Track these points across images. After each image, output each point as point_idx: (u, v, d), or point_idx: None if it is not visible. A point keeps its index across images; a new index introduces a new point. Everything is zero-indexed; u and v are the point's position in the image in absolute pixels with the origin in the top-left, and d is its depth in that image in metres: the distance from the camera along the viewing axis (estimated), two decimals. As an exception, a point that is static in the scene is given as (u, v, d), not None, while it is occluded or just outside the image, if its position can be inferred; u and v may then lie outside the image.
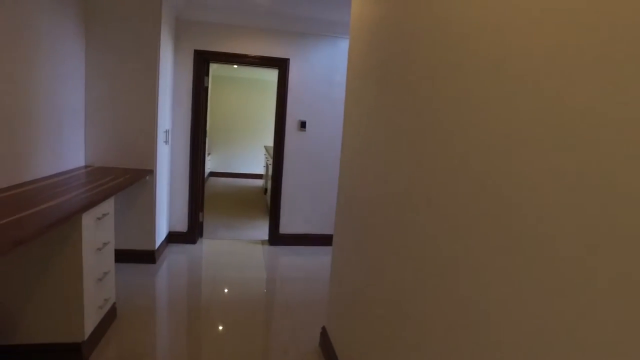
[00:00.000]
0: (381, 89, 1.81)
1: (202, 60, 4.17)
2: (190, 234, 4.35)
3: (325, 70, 4.40)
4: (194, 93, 4.18)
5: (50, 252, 2.04)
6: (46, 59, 2.69)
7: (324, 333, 2.50)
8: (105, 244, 2.39)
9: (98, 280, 2.30)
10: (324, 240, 4.59)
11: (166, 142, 3.86)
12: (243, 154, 9.42)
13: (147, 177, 3.48)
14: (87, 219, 2.13)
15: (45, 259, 2.04)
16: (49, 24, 2.69)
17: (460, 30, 1.15)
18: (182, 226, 4.35)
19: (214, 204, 6.44)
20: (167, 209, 4.17)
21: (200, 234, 4.60)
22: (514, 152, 0.88)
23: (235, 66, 8.01)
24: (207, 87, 4.35)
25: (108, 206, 2.47)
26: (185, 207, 4.33)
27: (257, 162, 9.44)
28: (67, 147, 3.11)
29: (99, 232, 2.31)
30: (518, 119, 0.87)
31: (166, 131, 3.85)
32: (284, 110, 4.36)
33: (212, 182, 8.59)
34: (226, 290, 3.34)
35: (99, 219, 2.28)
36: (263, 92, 9.28)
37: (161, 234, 3.91)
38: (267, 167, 7.42)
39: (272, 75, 8.66)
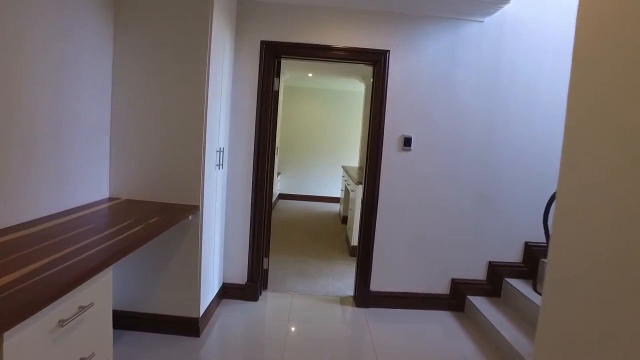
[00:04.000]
0: None
1: (271, 55, 3.10)
2: (251, 288, 3.24)
3: (440, 66, 3.10)
4: (260, 99, 3.11)
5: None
6: (54, 56, 1.75)
7: None
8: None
9: None
10: (430, 301, 3.24)
11: (219, 165, 2.80)
12: (317, 174, 8.34)
13: (190, 217, 2.42)
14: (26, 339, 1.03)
15: None
16: (59, 13, 1.74)
17: None
18: (240, 277, 3.25)
19: (283, 236, 5.35)
20: (220, 256, 3.09)
21: (264, 286, 3.47)
22: None
23: (310, 75, 6.99)
24: (277, 92, 3.26)
25: (99, 288, 1.38)
26: (245, 252, 3.24)
27: (333, 184, 8.29)
28: (84, 175, 2.15)
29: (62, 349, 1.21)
30: None
31: (220, 150, 2.79)
32: (380, 122, 3.12)
33: (281, 206, 7.58)
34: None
35: (62, 324, 1.19)
36: (341, 105, 8.17)
37: (210, 291, 2.83)
38: (345, 190, 6.22)
39: (352, 85, 7.52)
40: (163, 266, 2.51)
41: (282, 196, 8.29)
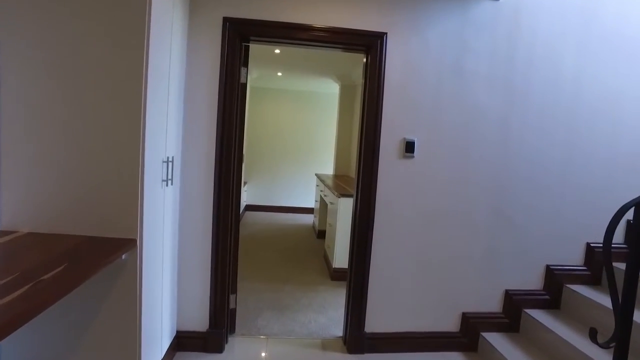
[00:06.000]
0: None
1: (237, 37, 2.41)
2: (214, 335, 2.51)
3: (448, 53, 2.53)
4: (223, 93, 2.41)
5: None
6: None
7: None
8: None
9: None
10: (436, 342, 2.65)
11: (167, 180, 2.07)
12: (288, 183, 7.64)
13: (124, 256, 1.68)
14: None
15: None
16: None
17: None
18: (199, 322, 2.52)
19: (251, 256, 4.61)
20: (171, 298, 2.35)
21: (231, 329, 2.74)
22: None
23: (280, 74, 6.32)
24: (244, 85, 2.57)
25: None
26: (206, 290, 2.51)
27: (305, 194, 7.62)
28: None
29: None
30: None
31: (167, 161, 2.06)
32: (376, 123, 2.50)
33: (248, 219, 6.82)
34: None
35: None
36: (314, 107, 7.54)
37: (156, 347, 2.09)
38: (321, 201, 5.58)
39: (325, 86, 6.91)
40: (85, 323, 1.75)
41: (248, 207, 7.52)
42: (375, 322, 2.64)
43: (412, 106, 2.52)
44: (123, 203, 1.70)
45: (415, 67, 2.50)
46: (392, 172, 2.54)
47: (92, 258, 1.43)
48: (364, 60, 2.56)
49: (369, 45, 2.47)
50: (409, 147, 2.51)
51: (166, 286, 2.21)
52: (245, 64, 2.59)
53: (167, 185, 2.06)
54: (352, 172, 6.14)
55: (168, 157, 2.05)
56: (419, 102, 2.53)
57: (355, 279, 2.62)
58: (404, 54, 2.49)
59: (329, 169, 7.34)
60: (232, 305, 2.70)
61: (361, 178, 2.54)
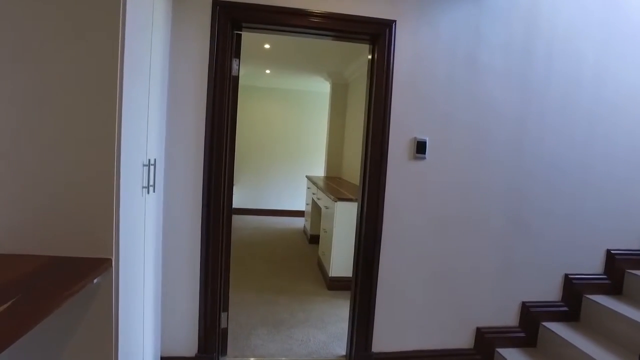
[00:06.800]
0: None
1: (229, 23, 2.14)
2: (204, 359, 2.23)
3: (461, 45, 2.30)
4: (213, 87, 2.13)
5: None
6: None
7: None
8: None
9: None
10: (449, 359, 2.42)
11: (148, 186, 1.78)
12: (277, 185, 7.34)
13: (96, 280, 1.39)
14: None
15: None
16: None
17: None
18: (187, 346, 2.23)
19: (240, 263, 4.32)
20: (155, 321, 2.06)
21: (223, 351, 2.46)
22: None
23: (268, 71, 6.05)
24: (236, 77, 2.30)
25: None
26: (194, 310, 2.23)
27: (295, 196, 7.34)
28: None
29: None
30: None
31: (149, 164, 1.77)
32: (385, 122, 2.25)
33: (236, 223, 6.51)
34: None
35: None
36: (304, 107, 7.28)
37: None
38: (313, 204, 5.33)
39: (316, 84, 6.66)
40: (52, 358, 1.45)
41: (236, 211, 7.21)
42: (383, 340, 2.39)
43: (423, 103, 2.29)
44: (95, 215, 1.41)
45: (426, 60, 2.27)
46: (401, 175, 2.30)
47: (53, 288, 1.14)
48: (370, 52, 2.31)
49: (376, 35, 2.22)
50: (420, 147, 2.28)
51: (148, 307, 1.92)
52: (237, 55, 2.31)
53: (148, 192, 1.77)
54: (345, 174, 5.89)
55: (149, 160, 1.76)
56: (431, 99, 2.29)
57: (362, 294, 2.37)
58: (413, 46, 2.25)
59: (319, 171, 7.09)
60: (223, 325, 2.42)
61: (368, 182, 2.29)
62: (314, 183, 5.15)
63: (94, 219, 1.41)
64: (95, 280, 1.38)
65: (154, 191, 1.85)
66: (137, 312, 1.73)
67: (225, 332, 2.46)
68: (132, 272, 1.62)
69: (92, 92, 1.37)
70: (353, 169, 5.37)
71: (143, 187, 1.71)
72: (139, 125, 1.63)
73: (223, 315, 2.40)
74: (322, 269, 4.17)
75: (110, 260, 1.42)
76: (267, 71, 6.07)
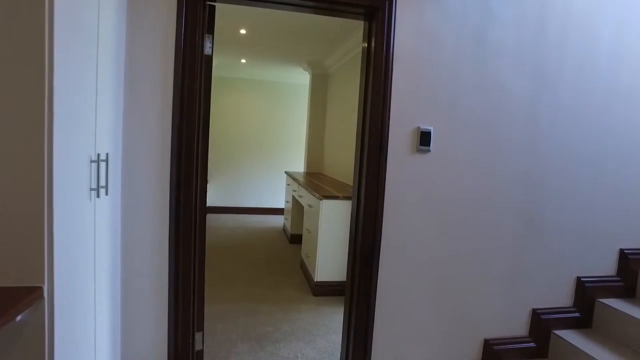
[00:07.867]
0: None
1: (200, -10, 1.78)
2: (174, 393, 1.87)
3: (469, 22, 2.02)
4: (182, 68, 1.77)
5: None
6: None
7: None
8: None
9: None
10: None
11: (98, 188, 1.40)
12: (253, 182, 6.96)
13: (20, 317, 1.03)
14: None
15: None
16: None
17: None
18: (154, 377, 1.87)
19: (215, 268, 3.95)
20: (112, 352, 1.69)
21: (198, 377, 2.11)
22: None
23: (243, 60, 5.66)
24: (209, 57, 1.93)
25: None
26: (163, 332, 1.87)
27: (273, 193, 6.99)
28: None
29: None
30: None
31: (98, 160, 1.40)
32: (384, 109, 1.95)
33: (211, 222, 6.10)
34: None
35: None
36: (282, 99, 6.92)
37: None
38: (293, 201, 5.00)
39: (295, 75, 6.31)
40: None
41: (211, 209, 6.79)
42: (383, 358, 2.10)
43: (426, 88, 2.00)
44: (18, 230, 1.04)
45: (431, 39, 1.98)
46: (403, 170, 2.01)
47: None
48: (365, 30, 2.00)
49: (374, 8, 1.91)
50: (425, 138, 1.98)
51: (103, 337, 1.55)
52: (211, 31, 1.95)
53: (98, 195, 1.40)
54: (326, 170, 5.59)
55: (99, 155, 1.39)
56: (436, 83, 2.00)
57: (358, 306, 2.06)
58: (417, 22, 1.95)
59: (299, 167, 6.75)
60: (198, 347, 2.07)
61: (364, 180, 1.99)
62: (295, 179, 4.82)
63: (17, 236, 1.04)
64: (18, 318, 1.02)
65: (106, 194, 1.48)
66: (85, 345, 1.37)
67: (200, 355, 2.11)
68: (74, 302, 1.25)
69: (5, 56, 1.00)
70: (335, 164, 5.07)
71: (91, 189, 1.34)
72: (83, 107, 1.26)
73: (197, 335, 2.05)
74: (305, 272, 3.85)
75: (42, 288, 1.06)
76: (243, 60, 5.68)
